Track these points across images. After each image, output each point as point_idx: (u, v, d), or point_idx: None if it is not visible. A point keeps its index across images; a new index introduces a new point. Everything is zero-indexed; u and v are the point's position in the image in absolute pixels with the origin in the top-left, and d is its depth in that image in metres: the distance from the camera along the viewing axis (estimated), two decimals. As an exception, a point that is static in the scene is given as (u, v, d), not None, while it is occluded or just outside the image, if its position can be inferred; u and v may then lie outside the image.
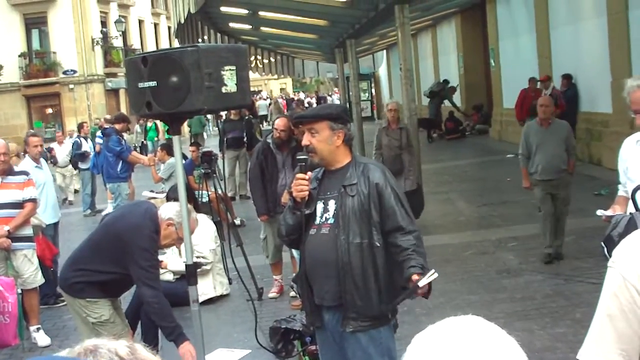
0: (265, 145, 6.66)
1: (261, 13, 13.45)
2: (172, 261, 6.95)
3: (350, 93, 18.29)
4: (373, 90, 35.98)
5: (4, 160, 6.11)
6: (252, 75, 19.13)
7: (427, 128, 20.50)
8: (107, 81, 32.15)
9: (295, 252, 5.95)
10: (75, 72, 30.72)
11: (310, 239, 3.39)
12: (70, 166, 14.96)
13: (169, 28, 37.25)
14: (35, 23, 31.34)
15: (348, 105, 17.32)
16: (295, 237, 3.49)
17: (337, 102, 35.79)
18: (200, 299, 4.96)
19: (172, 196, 6.63)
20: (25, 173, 6.44)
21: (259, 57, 21.63)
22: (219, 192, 7.41)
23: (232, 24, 15.48)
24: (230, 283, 7.24)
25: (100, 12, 32.69)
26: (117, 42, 33.19)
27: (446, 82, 21.73)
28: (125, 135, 11.74)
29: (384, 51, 31.17)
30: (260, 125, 19.15)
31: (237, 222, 9.82)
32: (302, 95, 52.19)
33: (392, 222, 3.29)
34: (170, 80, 3.64)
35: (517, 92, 14.73)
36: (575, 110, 13.14)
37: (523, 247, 7.77)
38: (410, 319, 5.52)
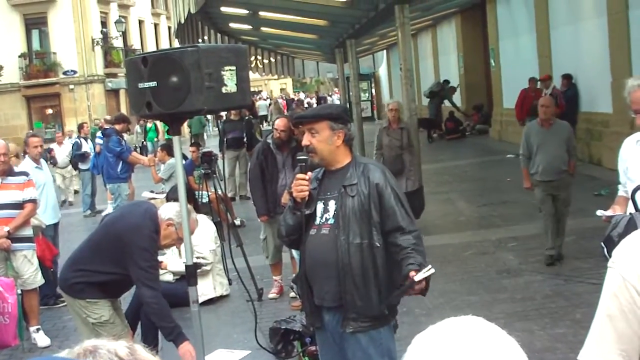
0: (266, 145, 6.66)
1: (261, 13, 13.45)
2: (172, 262, 6.95)
3: (350, 93, 18.27)
4: (373, 91, 35.93)
5: (3, 160, 6.11)
6: (252, 75, 19.14)
7: (427, 128, 20.48)
8: (107, 81, 32.12)
9: (295, 253, 5.94)
10: (75, 72, 30.69)
11: (310, 240, 3.39)
12: (70, 167, 14.97)
13: (169, 28, 37.23)
14: (35, 23, 31.31)
15: (348, 106, 17.31)
16: (295, 237, 3.49)
17: (337, 102, 35.80)
18: (200, 300, 4.95)
19: (172, 196, 6.62)
20: (25, 174, 6.44)
21: (259, 57, 21.64)
22: (219, 192, 7.40)
23: (232, 24, 15.48)
24: (230, 284, 7.24)
25: (100, 12, 32.66)
26: (117, 43, 33.14)
27: (447, 82, 21.73)
28: (126, 136, 11.74)
29: (384, 51, 31.17)
30: (260, 126, 19.13)
31: (237, 222, 9.82)
32: (302, 96, 52.22)
33: (392, 222, 3.29)
34: (171, 81, 3.64)
35: (517, 92, 14.73)
36: (575, 110, 13.14)
37: (523, 248, 7.77)
38: (410, 320, 5.53)
